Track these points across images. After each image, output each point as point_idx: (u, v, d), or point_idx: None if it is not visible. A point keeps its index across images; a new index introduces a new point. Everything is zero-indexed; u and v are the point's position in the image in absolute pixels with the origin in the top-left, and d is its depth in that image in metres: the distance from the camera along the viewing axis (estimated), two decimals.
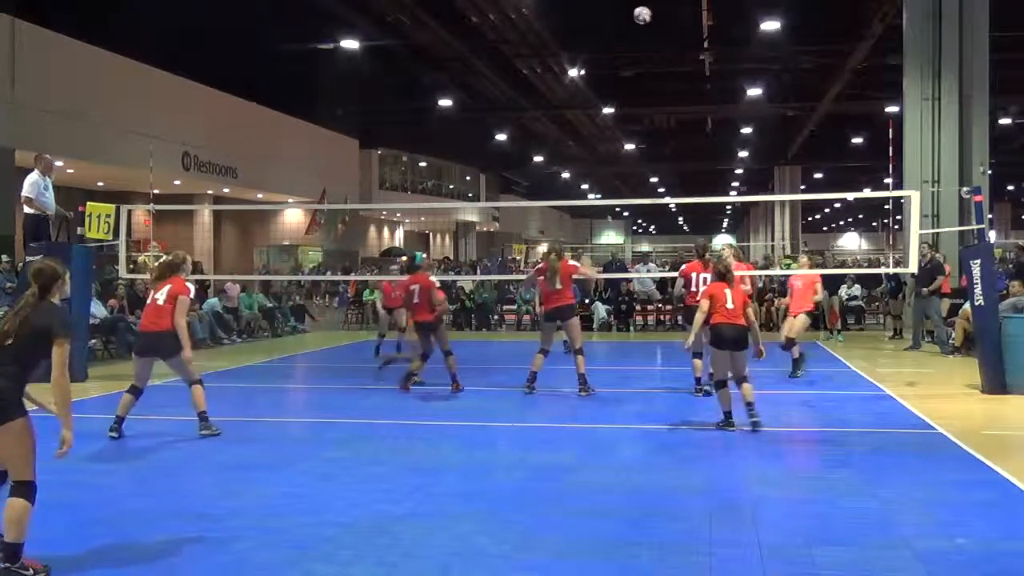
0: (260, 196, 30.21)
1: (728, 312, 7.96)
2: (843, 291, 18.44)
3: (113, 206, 12.47)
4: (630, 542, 5.02)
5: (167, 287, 7.84)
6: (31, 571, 4.30)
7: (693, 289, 10.02)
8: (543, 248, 49.96)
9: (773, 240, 48.04)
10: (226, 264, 29.74)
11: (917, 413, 8.91)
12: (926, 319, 15.08)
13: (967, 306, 12.08)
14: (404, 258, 11.84)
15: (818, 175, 50.74)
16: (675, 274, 12.48)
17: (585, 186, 59.39)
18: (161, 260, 8.45)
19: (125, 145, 21.21)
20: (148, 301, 8.09)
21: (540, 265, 10.59)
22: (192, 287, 8.13)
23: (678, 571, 4.60)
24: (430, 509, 5.68)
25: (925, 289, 14.61)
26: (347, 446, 7.70)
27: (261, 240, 34.50)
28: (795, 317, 11.78)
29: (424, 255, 11.12)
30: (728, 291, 8.08)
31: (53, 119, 19.03)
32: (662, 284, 20.24)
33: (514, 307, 20.86)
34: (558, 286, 10.10)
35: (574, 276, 10.44)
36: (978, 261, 10.25)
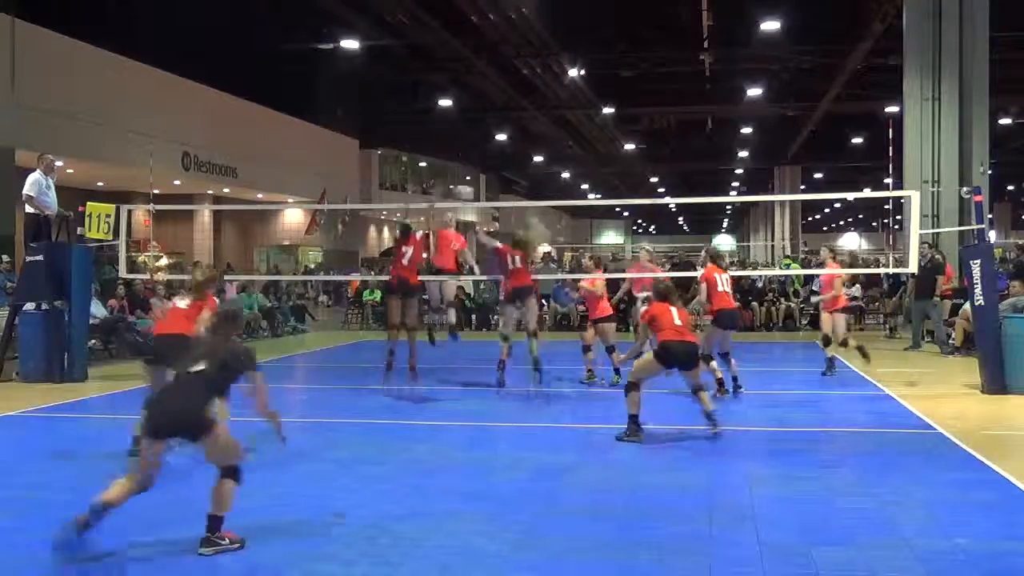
0: (260, 196, 30.20)
1: (677, 329, 7.84)
2: (843, 291, 18.40)
3: (113, 206, 12.47)
4: (630, 542, 5.02)
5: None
6: (227, 541, 4.89)
7: (721, 289, 10.07)
8: (543, 248, 50.02)
9: (773, 240, 48.04)
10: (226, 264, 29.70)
11: (917, 413, 8.91)
12: (926, 319, 15.08)
13: (967, 306, 12.08)
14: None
15: (818, 175, 50.72)
16: (674, 274, 12.52)
17: (585, 186, 59.36)
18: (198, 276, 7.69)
19: (125, 145, 21.20)
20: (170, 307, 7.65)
21: (501, 247, 10.77)
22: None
23: (678, 571, 4.60)
24: (430, 509, 5.68)
25: (936, 297, 14.64)
26: (347, 446, 7.70)
27: (261, 240, 34.48)
28: (830, 314, 11.83)
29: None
30: (673, 309, 8.03)
31: (53, 119, 19.01)
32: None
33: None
34: (518, 264, 10.40)
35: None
36: (978, 261, 10.26)
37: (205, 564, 4.72)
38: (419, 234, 11.12)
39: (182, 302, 7.43)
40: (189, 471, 6.77)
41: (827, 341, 11.80)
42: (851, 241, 76.12)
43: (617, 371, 10.71)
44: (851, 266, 18.59)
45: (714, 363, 9.83)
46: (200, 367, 5.03)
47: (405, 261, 10.44)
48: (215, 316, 5.54)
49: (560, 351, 11.74)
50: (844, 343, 11.76)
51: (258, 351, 9.69)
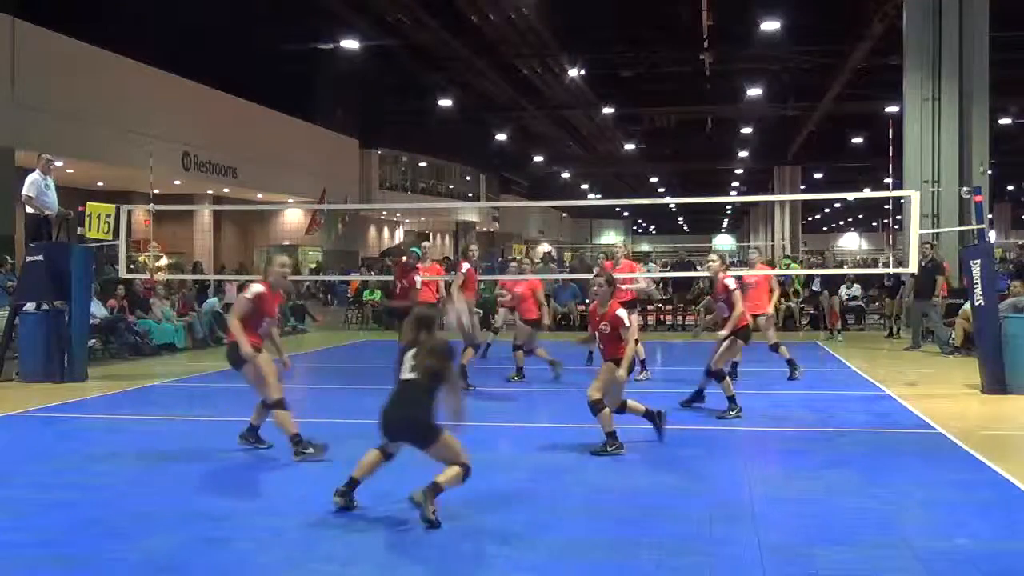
0: (260, 196, 30.19)
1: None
2: (843, 291, 18.44)
3: (113, 206, 12.47)
4: (630, 542, 5.02)
5: None
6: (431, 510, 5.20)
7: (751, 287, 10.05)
8: (543, 248, 50.07)
9: (773, 240, 48.05)
10: (226, 264, 29.69)
11: (917, 413, 8.91)
12: (925, 319, 15.07)
13: (967, 306, 12.08)
14: (405, 258, 11.80)
15: (818, 175, 50.74)
16: (675, 274, 12.54)
17: (585, 186, 59.40)
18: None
19: (125, 145, 21.20)
20: None
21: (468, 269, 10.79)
22: (256, 288, 7.12)
23: (678, 571, 4.60)
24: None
25: (935, 297, 14.62)
26: (347, 446, 7.68)
27: (261, 240, 34.50)
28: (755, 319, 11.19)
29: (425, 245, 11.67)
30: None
31: (53, 119, 19.01)
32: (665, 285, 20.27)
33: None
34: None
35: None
36: (978, 261, 10.26)
37: (205, 564, 4.72)
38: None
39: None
40: (191, 474, 6.77)
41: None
42: (851, 241, 76.19)
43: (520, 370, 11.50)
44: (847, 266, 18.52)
45: (728, 381, 9.03)
46: (412, 375, 5.34)
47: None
48: (411, 322, 5.64)
49: (561, 351, 11.73)
50: (774, 349, 11.51)
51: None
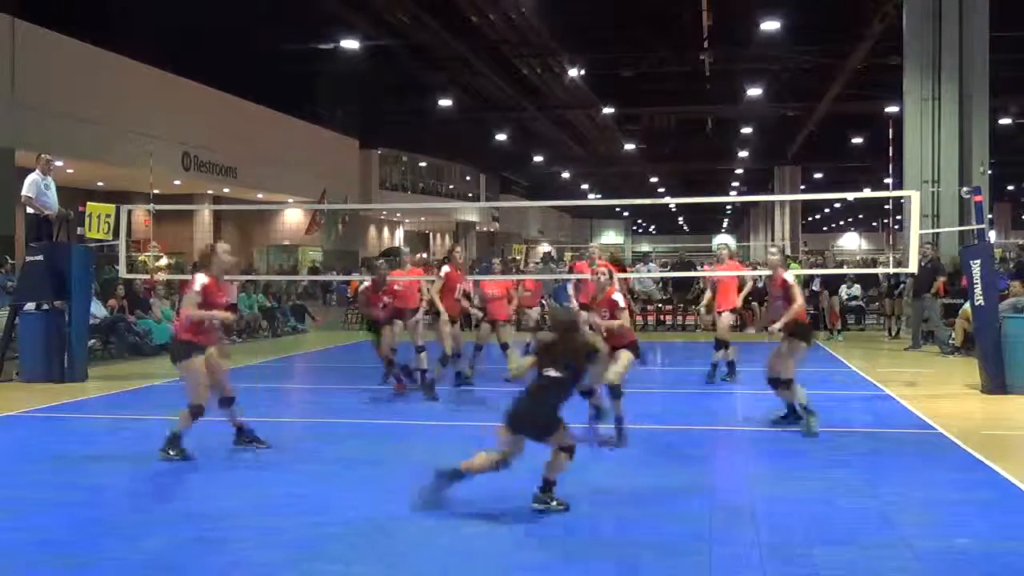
0: (260, 196, 30.19)
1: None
2: (843, 291, 18.44)
3: (113, 206, 12.47)
4: (630, 542, 5.02)
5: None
6: (555, 503, 5.52)
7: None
8: (543, 248, 50.07)
9: (773, 240, 48.05)
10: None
11: (917, 413, 8.91)
12: (925, 320, 15.06)
13: (967, 306, 12.08)
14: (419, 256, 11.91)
15: (818, 175, 50.74)
16: (674, 274, 12.54)
17: (585, 186, 59.38)
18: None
19: (125, 145, 21.19)
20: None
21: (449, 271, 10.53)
22: (201, 279, 7.03)
23: (678, 571, 4.60)
24: (430, 509, 5.67)
25: (927, 294, 14.61)
26: (347, 446, 7.70)
27: (261, 240, 34.49)
28: (720, 314, 11.35)
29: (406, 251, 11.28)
30: None
31: (53, 119, 19.00)
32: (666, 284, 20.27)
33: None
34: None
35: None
36: (978, 261, 10.26)
37: (204, 564, 4.72)
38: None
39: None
40: (191, 474, 6.78)
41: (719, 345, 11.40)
42: (851, 241, 76.18)
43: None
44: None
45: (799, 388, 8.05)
46: (556, 373, 5.52)
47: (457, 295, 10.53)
48: (557, 325, 5.82)
49: None
50: (719, 347, 11.32)
51: (258, 351, 9.72)
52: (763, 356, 11.81)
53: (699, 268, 21.31)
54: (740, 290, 11.85)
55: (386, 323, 10.40)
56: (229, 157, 26.94)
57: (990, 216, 20.88)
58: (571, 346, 5.65)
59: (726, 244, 14.10)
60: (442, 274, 10.21)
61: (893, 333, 17.34)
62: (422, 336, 10.80)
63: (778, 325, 8.00)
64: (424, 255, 42.28)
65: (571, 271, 17.88)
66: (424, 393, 9.93)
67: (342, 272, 29.42)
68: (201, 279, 6.97)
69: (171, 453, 6.88)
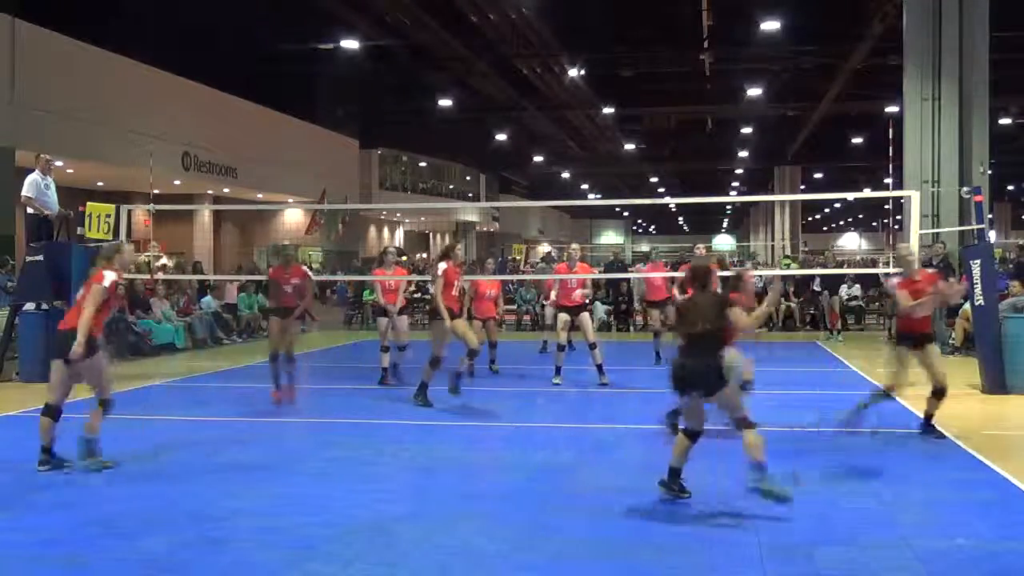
0: (260, 196, 30.17)
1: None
2: (843, 291, 18.43)
3: (113, 206, 12.47)
4: (630, 542, 5.02)
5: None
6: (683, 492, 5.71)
7: None
8: (543, 248, 50.05)
9: (773, 240, 48.04)
10: (227, 264, 29.70)
11: (917, 413, 8.89)
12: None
13: (967, 306, 12.08)
14: (404, 258, 11.93)
15: (818, 175, 50.71)
16: (676, 274, 12.58)
17: (585, 186, 59.36)
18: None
19: (125, 145, 21.19)
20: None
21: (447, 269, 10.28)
22: (110, 275, 6.78)
23: (678, 571, 4.60)
24: (430, 509, 5.68)
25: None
26: (347, 446, 7.70)
27: (261, 240, 34.47)
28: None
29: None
30: None
31: (53, 119, 18.99)
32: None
33: (514, 307, 20.83)
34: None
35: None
36: (978, 261, 10.26)
37: (205, 564, 4.72)
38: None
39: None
40: (191, 474, 6.78)
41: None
42: (851, 241, 76.16)
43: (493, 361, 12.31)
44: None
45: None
46: (701, 328, 5.65)
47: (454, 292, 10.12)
48: (689, 274, 6.01)
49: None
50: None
51: (258, 351, 9.72)
52: (762, 356, 11.84)
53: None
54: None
55: (287, 314, 9.94)
56: (229, 157, 26.93)
57: (990, 216, 20.88)
58: (709, 300, 5.82)
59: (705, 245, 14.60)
60: (440, 272, 9.73)
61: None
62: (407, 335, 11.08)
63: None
64: (424, 255, 42.33)
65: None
66: (449, 390, 9.55)
67: (342, 271, 29.40)
68: (111, 275, 6.78)
69: (53, 463, 6.67)
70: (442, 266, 9.76)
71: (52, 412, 6.81)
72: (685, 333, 5.78)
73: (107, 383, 6.88)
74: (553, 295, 11.48)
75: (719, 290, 7.63)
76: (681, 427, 5.96)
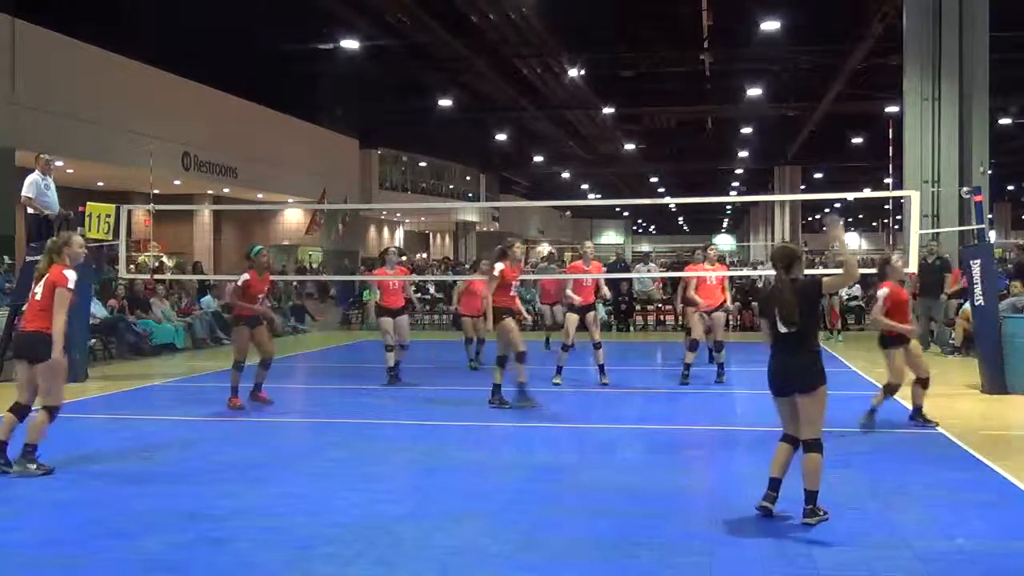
0: (260, 196, 30.17)
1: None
2: (843, 291, 18.43)
3: (113, 206, 12.46)
4: (630, 542, 5.02)
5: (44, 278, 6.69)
6: (824, 513, 5.25)
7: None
8: (543, 248, 50.01)
9: (773, 240, 48.01)
10: (226, 264, 29.69)
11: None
12: (932, 322, 15.02)
13: (967, 306, 12.08)
14: (404, 258, 11.93)
15: (818, 175, 50.71)
16: (677, 274, 12.55)
17: (585, 186, 59.37)
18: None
19: (125, 145, 21.19)
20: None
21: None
22: (72, 275, 6.74)
23: (678, 571, 4.60)
24: (430, 509, 5.68)
25: (944, 294, 14.64)
26: (347, 446, 7.70)
27: (261, 240, 34.39)
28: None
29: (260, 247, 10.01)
30: None
31: (53, 119, 18.99)
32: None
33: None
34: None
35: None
36: (978, 261, 10.26)
37: (205, 564, 4.72)
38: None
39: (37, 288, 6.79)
40: (190, 474, 6.78)
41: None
42: (851, 241, 76.17)
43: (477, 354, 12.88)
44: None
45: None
46: (787, 328, 5.28)
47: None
48: (777, 262, 5.50)
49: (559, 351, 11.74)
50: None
51: (257, 351, 9.72)
52: (762, 356, 11.85)
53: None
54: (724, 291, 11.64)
55: (257, 323, 9.68)
56: (229, 157, 26.93)
57: (990, 216, 20.88)
58: (785, 297, 5.33)
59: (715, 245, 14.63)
60: (496, 272, 9.53)
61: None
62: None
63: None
64: (425, 255, 42.31)
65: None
66: (520, 400, 9.52)
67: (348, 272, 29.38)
68: (73, 275, 6.69)
69: (31, 467, 6.45)
70: (499, 266, 9.54)
71: (19, 411, 6.60)
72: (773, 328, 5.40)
73: (59, 389, 6.65)
74: (569, 292, 11.23)
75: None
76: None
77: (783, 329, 5.31)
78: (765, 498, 5.40)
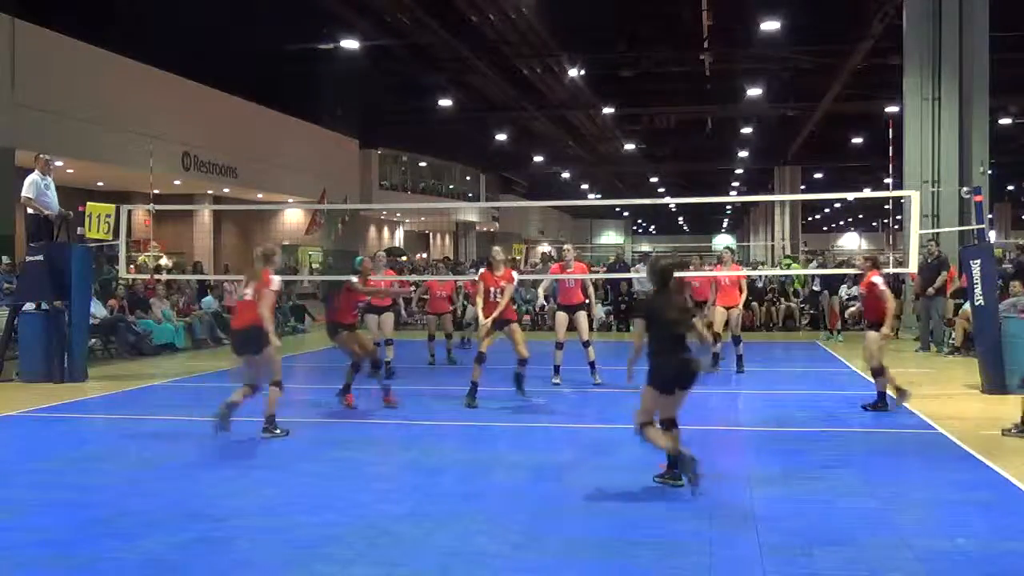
0: (260, 196, 30.17)
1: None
2: (843, 291, 18.42)
3: (113, 206, 12.48)
4: (630, 542, 5.02)
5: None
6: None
7: None
8: (544, 248, 50.02)
9: (773, 240, 48.01)
10: (226, 264, 29.68)
11: (917, 413, 8.91)
12: (931, 321, 15.02)
13: (967, 306, 12.08)
14: (404, 258, 12.11)
15: (818, 175, 50.68)
16: (678, 274, 12.63)
17: (585, 186, 59.36)
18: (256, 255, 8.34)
19: (125, 145, 21.18)
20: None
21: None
22: (277, 280, 8.04)
23: (678, 571, 4.60)
24: (430, 509, 5.68)
25: (931, 289, 14.62)
26: (347, 446, 7.70)
27: (261, 240, 34.38)
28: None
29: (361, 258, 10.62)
30: None
31: (53, 119, 18.99)
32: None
33: (514, 307, 20.79)
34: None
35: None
36: (978, 261, 10.26)
37: (205, 564, 4.72)
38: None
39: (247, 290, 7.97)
40: (190, 474, 6.78)
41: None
42: (851, 241, 76.14)
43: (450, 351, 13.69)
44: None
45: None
46: (674, 331, 6.03)
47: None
48: (650, 273, 6.37)
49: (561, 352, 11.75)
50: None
51: None
52: (762, 356, 11.86)
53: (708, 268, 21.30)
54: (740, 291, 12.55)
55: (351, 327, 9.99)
56: (229, 157, 26.92)
57: (990, 216, 20.88)
58: (679, 305, 6.22)
59: (730, 248, 15.34)
60: (476, 277, 10.18)
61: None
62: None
63: (885, 331, 9.23)
64: (425, 255, 42.28)
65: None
66: (518, 391, 9.88)
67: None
68: (278, 279, 7.68)
69: None
70: (480, 272, 10.30)
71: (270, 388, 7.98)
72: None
73: (279, 366, 8.10)
74: (542, 292, 12.69)
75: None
76: None
77: (677, 331, 6.05)
78: (668, 475, 6.09)
